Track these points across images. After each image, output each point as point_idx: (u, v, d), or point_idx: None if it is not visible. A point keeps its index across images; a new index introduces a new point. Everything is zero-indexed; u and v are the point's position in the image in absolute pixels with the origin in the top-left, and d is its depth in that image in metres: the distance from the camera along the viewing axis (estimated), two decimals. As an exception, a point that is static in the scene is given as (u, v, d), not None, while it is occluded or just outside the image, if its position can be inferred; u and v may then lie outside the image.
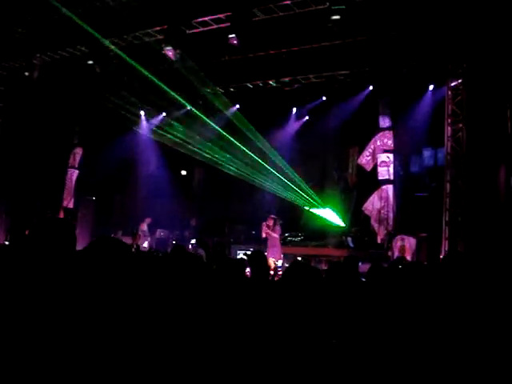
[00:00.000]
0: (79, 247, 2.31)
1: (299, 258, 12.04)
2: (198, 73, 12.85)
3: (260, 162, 15.01)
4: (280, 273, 10.31)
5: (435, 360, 2.44)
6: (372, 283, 4.54)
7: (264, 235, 12.15)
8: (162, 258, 3.52)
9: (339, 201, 15.39)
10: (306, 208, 15.58)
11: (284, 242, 14.20)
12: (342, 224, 14.70)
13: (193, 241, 15.04)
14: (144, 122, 16.54)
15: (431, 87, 12.88)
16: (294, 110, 15.48)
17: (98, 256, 1.90)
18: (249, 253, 5.37)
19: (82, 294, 1.96)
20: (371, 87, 13.60)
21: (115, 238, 2.26)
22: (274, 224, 12.32)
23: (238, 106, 15.45)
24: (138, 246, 13.00)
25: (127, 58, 11.97)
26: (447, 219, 11.12)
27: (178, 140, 15.52)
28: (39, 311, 1.94)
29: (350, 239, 14.03)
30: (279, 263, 11.66)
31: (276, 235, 12.08)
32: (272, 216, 12.60)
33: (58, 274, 2.18)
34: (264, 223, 12.37)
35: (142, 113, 16.21)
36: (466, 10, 9.71)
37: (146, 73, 12.55)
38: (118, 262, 1.90)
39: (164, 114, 16.05)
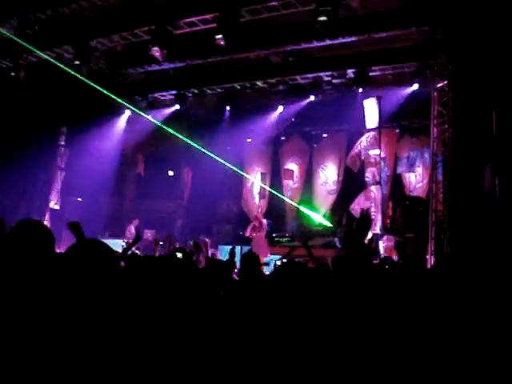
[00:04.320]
0: (65, 248, 2.29)
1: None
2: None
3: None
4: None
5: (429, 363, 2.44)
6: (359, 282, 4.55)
7: (248, 234, 12.42)
8: (150, 261, 3.50)
9: (326, 201, 15.44)
10: (293, 208, 15.64)
11: (271, 242, 14.20)
12: (329, 224, 14.73)
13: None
14: (130, 122, 16.45)
15: (417, 87, 12.94)
16: (281, 110, 15.45)
17: (79, 260, 1.88)
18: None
19: (64, 296, 1.94)
20: (359, 88, 13.63)
21: (98, 240, 2.25)
22: (260, 224, 12.53)
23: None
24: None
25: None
26: (433, 220, 11.19)
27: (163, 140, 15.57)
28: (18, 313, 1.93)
29: (337, 240, 14.05)
30: (266, 260, 11.71)
31: (261, 234, 12.29)
32: (258, 216, 12.75)
33: (37, 275, 2.16)
34: (251, 224, 12.60)
35: (129, 112, 16.11)
36: (452, 10, 9.78)
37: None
38: (99, 266, 1.89)
39: (150, 114, 15.99)
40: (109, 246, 2.19)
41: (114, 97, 13.83)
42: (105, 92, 13.25)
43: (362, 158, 13.81)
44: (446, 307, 2.75)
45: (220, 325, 2.69)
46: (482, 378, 2.22)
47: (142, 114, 15.59)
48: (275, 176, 16.79)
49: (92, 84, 12.78)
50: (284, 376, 2.37)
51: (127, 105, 15.23)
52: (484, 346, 2.37)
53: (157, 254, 11.02)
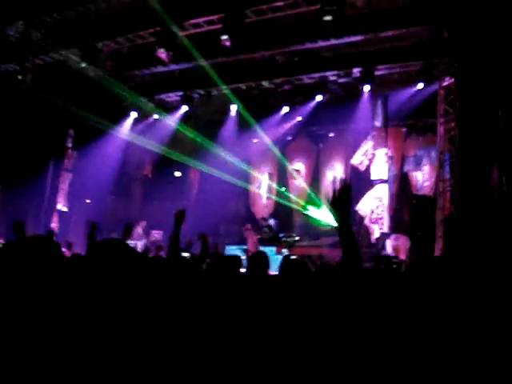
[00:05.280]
0: (74, 250, 2.31)
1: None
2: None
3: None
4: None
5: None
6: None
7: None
8: (159, 260, 3.52)
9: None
10: (300, 208, 15.65)
11: (279, 242, 14.23)
12: (336, 224, 14.70)
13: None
14: (135, 125, 16.47)
15: (422, 86, 12.90)
16: (287, 110, 15.41)
17: (102, 259, 1.90)
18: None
19: (83, 297, 1.96)
20: (365, 87, 13.61)
21: (119, 240, 2.23)
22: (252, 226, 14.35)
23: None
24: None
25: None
26: (441, 218, 11.17)
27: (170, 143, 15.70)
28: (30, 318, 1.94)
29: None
30: None
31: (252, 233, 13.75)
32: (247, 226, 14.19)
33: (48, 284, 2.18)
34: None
35: (135, 114, 16.12)
36: (458, 8, 9.76)
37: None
38: (123, 265, 1.90)
39: (156, 115, 16.01)
40: (128, 246, 2.17)
41: (121, 98, 13.90)
42: (111, 94, 13.33)
43: (369, 157, 13.81)
44: (453, 304, 2.75)
45: (225, 323, 2.70)
46: (489, 378, 2.22)
47: (149, 115, 15.70)
48: (282, 176, 16.81)
49: (99, 86, 12.86)
50: (290, 375, 2.38)
51: (134, 107, 15.32)
52: (489, 346, 2.37)
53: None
